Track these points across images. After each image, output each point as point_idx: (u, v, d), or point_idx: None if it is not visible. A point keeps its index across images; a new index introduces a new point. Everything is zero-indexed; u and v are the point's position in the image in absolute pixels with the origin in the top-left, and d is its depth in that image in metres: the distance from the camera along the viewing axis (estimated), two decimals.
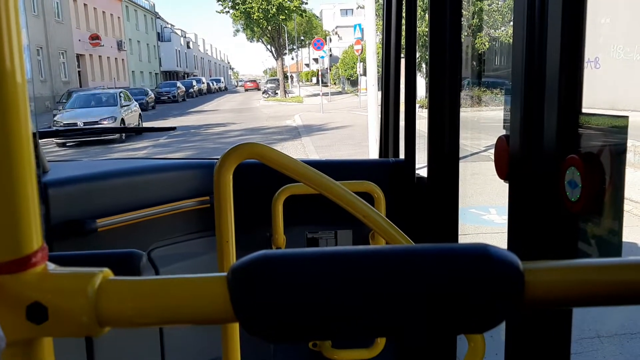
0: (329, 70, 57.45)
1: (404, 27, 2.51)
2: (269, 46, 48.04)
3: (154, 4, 61.75)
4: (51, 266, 0.49)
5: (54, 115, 19.98)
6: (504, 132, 1.67)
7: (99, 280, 0.47)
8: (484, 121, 14.67)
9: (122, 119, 18.90)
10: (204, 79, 61.28)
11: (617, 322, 3.98)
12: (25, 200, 0.46)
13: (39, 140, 2.07)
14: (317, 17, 72.46)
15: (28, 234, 0.47)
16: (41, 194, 1.82)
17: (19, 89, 0.46)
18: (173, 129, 3.15)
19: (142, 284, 0.48)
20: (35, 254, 0.47)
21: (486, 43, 20.78)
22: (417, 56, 2.55)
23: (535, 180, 1.44)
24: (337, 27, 70.51)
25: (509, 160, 1.57)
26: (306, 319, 0.47)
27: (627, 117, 1.19)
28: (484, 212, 7.01)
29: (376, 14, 10.09)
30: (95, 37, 40.84)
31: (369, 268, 0.47)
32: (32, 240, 0.47)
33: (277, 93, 46.62)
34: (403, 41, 2.54)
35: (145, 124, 21.45)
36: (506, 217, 1.61)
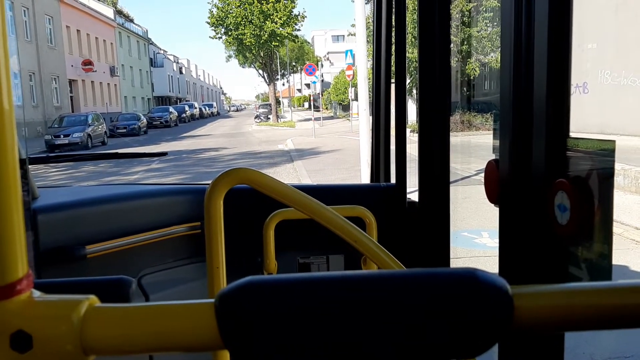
0: (320, 95, 57.89)
1: (393, 53, 2.53)
2: (261, 72, 48.40)
3: (146, 30, 62.19)
4: (36, 293, 0.48)
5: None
6: (493, 156, 1.68)
7: (85, 307, 0.47)
8: (474, 145, 14.77)
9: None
10: (196, 104, 61.46)
11: (611, 345, 3.96)
12: (11, 226, 0.46)
13: (29, 166, 2.06)
14: (309, 43, 73.24)
15: (13, 261, 0.46)
16: (30, 221, 1.80)
17: (6, 115, 0.46)
18: (164, 154, 3.14)
19: (128, 311, 0.48)
20: (20, 281, 0.46)
21: (477, 68, 21.05)
22: (407, 81, 2.58)
23: (525, 204, 1.45)
24: (328, 52, 71.21)
25: (499, 184, 1.58)
26: (295, 346, 0.46)
27: (614, 141, 1.20)
28: (476, 236, 7.01)
29: (367, 40, 10.21)
30: (87, 63, 40.98)
31: (356, 293, 0.47)
32: (17, 268, 0.46)
33: (269, 118, 46.84)
34: (393, 67, 2.56)
35: (137, 149, 21.49)
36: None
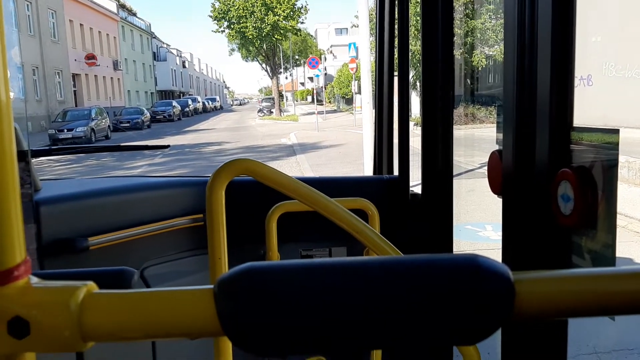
0: (324, 89, 57.80)
1: (396, 46, 2.52)
2: (264, 65, 48.36)
3: (149, 24, 62.08)
4: (34, 280, 0.48)
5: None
6: (496, 147, 1.67)
7: (83, 294, 0.47)
8: (478, 138, 14.73)
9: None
10: (199, 98, 61.37)
11: (615, 337, 3.96)
12: (8, 213, 0.46)
13: (32, 159, 2.06)
14: (312, 36, 73.01)
15: (10, 247, 0.46)
16: (33, 212, 1.81)
17: (3, 107, 0.46)
18: (166, 147, 3.14)
19: (126, 298, 0.47)
20: (18, 267, 0.46)
21: (480, 61, 20.97)
22: (411, 75, 2.57)
23: (529, 195, 1.44)
24: (331, 46, 70.96)
25: (502, 175, 1.57)
26: (294, 332, 0.46)
27: (617, 130, 1.20)
28: (479, 229, 7.01)
29: (370, 33, 10.17)
30: (91, 57, 40.99)
31: (356, 279, 0.46)
32: (15, 254, 0.46)
33: (272, 112, 46.80)
34: (396, 59, 2.55)
35: (140, 143, 21.55)
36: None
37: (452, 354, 2.22)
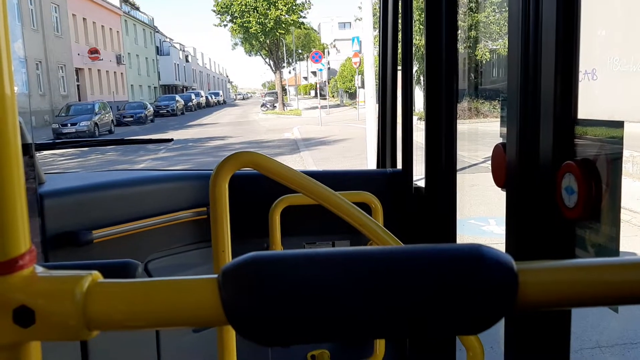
0: (327, 83, 57.65)
1: (400, 40, 2.52)
2: (267, 59, 48.30)
3: (152, 18, 62.02)
4: (39, 269, 0.48)
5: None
6: (500, 140, 1.66)
7: (88, 283, 0.47)
8: (482, 132, 14.70)
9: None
10: (202, 93, 61.27)
11: (618, 331, 3.96)
12: (13, 203, 0.46)
13: (36, 153, 2.06)
14: (315, 30, 72.83)
15: (15, 236, 0.46)
16: (37, 206, 1.81)
17: (7, 101, 0.46)
18: (170, 140, 3.15)
19: (131, 287, 0.48)
20: (23, 256, 0.46)
21: (487, 54, 20.89)
22: (415, 69, 2.56)
23: (532, 187, 1.44)
24: (335, 40, 70.72)
25: (506, 167, 1.57)
26: (298, 321, 0.46)
27: (622, 123, 1.19)
28: (483, 223, 7.00)
29: (374, 27, 10.15)
30: (94, 51, 41.00)
31: (359, 268, 0.46)
32: (20, 243, 0.46)
33: (275, 106, 46.74)
34: (400, 53, 2.55)
35: (143, 137, 21.54)
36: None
37: (455, 345, 2.23)
